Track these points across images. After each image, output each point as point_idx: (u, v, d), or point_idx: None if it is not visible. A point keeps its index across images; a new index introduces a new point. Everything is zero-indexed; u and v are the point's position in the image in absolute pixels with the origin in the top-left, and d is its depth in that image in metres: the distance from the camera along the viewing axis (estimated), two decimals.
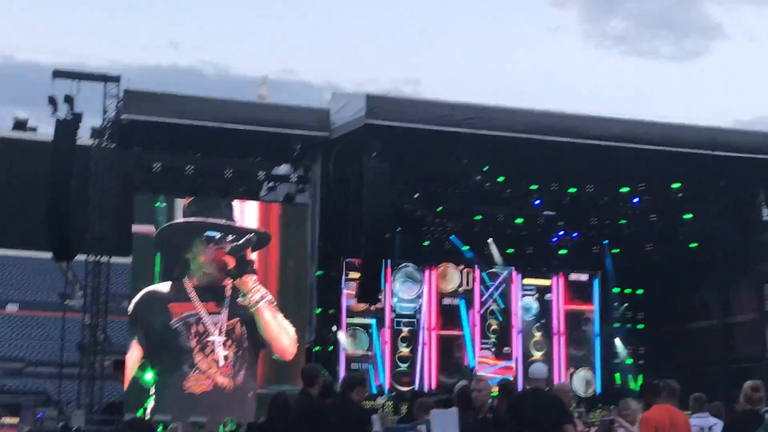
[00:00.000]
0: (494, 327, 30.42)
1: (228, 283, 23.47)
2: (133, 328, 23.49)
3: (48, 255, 33.76)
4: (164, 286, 23.61)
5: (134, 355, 23.30)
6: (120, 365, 25.30)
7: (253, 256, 23.70)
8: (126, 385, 23.66)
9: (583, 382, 30.64)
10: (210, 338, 23.54)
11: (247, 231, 23.78)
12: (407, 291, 29.71)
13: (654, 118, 25.65)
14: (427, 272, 30.00)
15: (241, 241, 22.47)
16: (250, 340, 23.75)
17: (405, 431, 8.89)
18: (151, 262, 24.19)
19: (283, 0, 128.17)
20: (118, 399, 27.25)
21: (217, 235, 23.89)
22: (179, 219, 23.77)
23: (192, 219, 23.72)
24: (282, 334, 23.32)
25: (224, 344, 23.56)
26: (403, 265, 29.67)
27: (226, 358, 23.52)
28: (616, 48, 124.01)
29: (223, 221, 24.02)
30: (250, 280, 21.88)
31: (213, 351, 23.54)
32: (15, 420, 46.52)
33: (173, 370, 23.49)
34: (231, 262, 21.75)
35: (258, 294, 21.98)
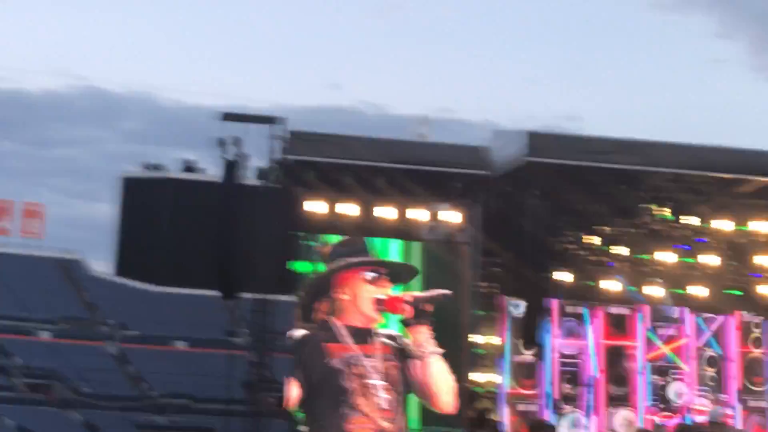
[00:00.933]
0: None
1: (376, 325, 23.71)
2: (293, 367, 23.82)
3: (215, 293, 34.78)
4: (317, 328, 23.88)
5: (293, 393, 23.60)
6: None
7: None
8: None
9: None
10: (370, 381, 23.65)
11: (412, 270, 23.87)
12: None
13: None
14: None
15: (429, 294, 22.61)
16: (404, 385, 23.75)
17: None
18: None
19: (441, 40, 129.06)
20: None
21: (377, 275, 24.08)
22: (338, 259, 24.08)
23: (353, 259, 23.97)
24: (446, 388, 23.24)
25: (384, 388, 23.64)
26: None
27: (387, 402, 23.58)
28: None
29: (383, 260, 24.18)
30: (424, 331, 21.90)
31: (374, 394, 23.66)
32: None
33: (332, 410, 23.70)
34: (406, 310, 21.85)
35: (430, 346, 21.97)
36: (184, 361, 60.61)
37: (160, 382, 57.98)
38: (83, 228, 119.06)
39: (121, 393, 56.32)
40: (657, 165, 23.51)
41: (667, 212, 25.91)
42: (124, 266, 74.44)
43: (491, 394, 26.38)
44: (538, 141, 23.27)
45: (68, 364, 56.98)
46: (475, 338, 25.99)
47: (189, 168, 78.29)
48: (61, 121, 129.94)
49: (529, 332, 24.43)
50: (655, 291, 29.18)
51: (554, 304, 28.78)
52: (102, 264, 78.00)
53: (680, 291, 29.40)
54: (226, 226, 24.27)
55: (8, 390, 54.79)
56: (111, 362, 59.52)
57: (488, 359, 26.57)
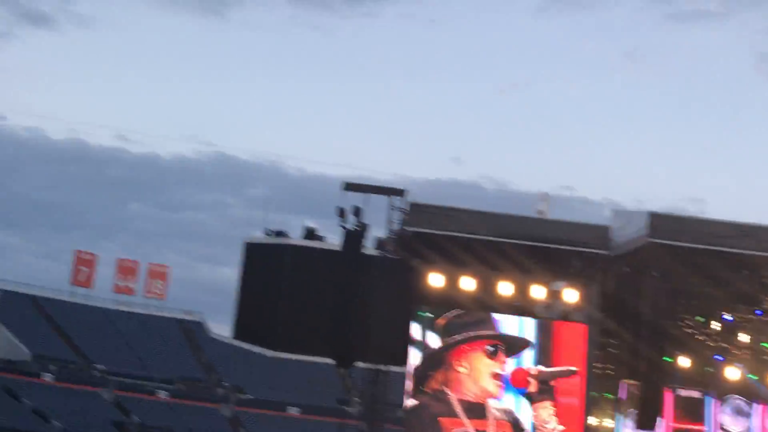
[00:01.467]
0: None
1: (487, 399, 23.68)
2: None
3: (329, 361, 35.10)
4: (430, 399, 23.94)
5: None
6: None
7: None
8: None
9: None
10: None
11: (526, 343, 23.87)
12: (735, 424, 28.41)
13: None
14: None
15: (555, 370, 22.73)
16: None
17: None
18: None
19: (565, 117, 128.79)
20: None
21: (495, 349, 24.09)
22: (456, 331, 24.17)
23: (472, 333, 24.02)
24: None
25: None
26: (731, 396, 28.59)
27: None
28: None
29: (502, 334, 24.21)
30: (548, 407, 21.82)
31: None
32: None
33: None
34: (532, 384, 21.85)
35: (553, 422, 21.89)
36: (297, 427, 60.93)
37: None
38: (205, 291, 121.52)
39: None
40: None
41: None
42: (242, 330, 75.54)
43: None
44: (660, 222, 23.04)
45: (183, 424, 57.89)
46: (590, 419, 25.65)
47: (310, 235, 79.51)
48: (190, 186, 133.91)
49: (644, 416, 23.97)
50: None
51: (669, 392, 28.29)
52: (221, 327, 79.37)
53: None
54: (344, 295, 24.62)
55: None
56: (225, 424, 60.25)
57: None
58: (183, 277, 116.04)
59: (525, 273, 25.01)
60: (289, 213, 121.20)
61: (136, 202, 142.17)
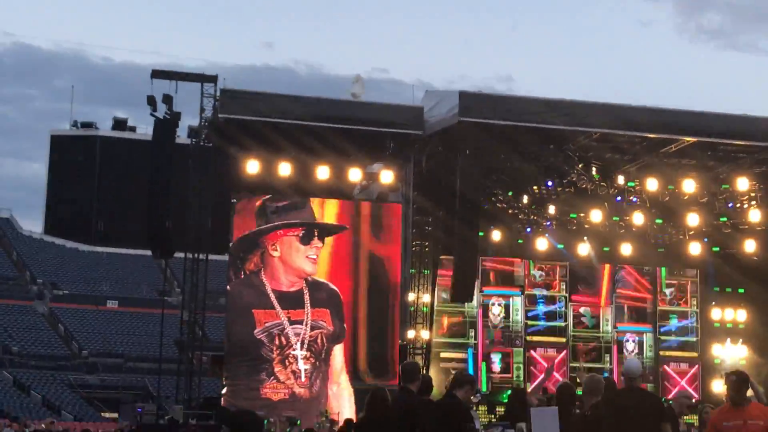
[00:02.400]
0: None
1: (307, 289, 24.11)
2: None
3: (147, 252, 34.50)
4: (245, 286, 23.75)
5: None
6: (218, 360, 25.67)
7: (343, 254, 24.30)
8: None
9: None
10: (293, 352, 24.05)
11: (335, 228, 24.13)
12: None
13: (755, 112, 24.90)
14: None
15: (329, 224, 23.36)
16: (327, 352, 24.64)
17: (505, 429, 8.80)
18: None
19: (375, 0, 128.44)
20: (215, 394, 27.60)
21: (302, 234, 24.40)
22: (267, 220, 24.15)
23: (279, 222, 24.13)
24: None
25: (305, 358, 24.03)
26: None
27: (305, 371, 24.00)
28: (712, 42, 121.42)
29: (309, 221, 24.33)
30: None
31: (293, 363, 24.03)
32: (115, 415, 47.62)
33: (250, 376, 24.26)
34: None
35: None
36: (117, 320, 60.12)
37: (92, 342, 57.49)
38: (12, 188, 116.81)
39: (51, 352, 55.74)
40: (584, 125, 23.72)
41: (594, 172, 26.21)
42: (54, 225, 73.43)
43: (422, 350, 26.61)
44: (469, 101, 23.25)
45: None
46: (408, 296, 26.21)
47: (120, 126, 77.21)
48: None
49: (460, 288, 24.61)
50: (582, 248, 29.68)
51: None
52: (33, 223, 76.89)
53: (606, 249, 29.93)
54: (158, 185, 23.97)
55: None
56: (42, 321, 58.80)
57: (420, 316, 26.80)
58: None
59: (341, 156, 25.00)
60: (98, 104, 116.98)
61: None
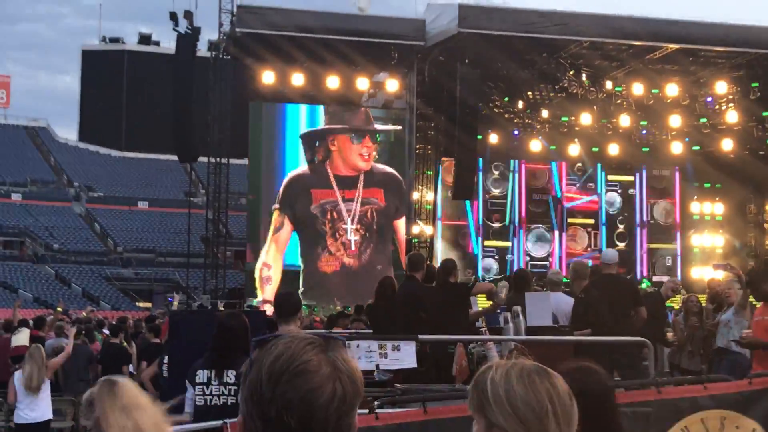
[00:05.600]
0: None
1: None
2: (283, 208, 24.56)
3: (174, 157, 34.58)
4: (311, 171, 24.17)
5: (285, 231, 24.18)
6: (240, 255, 26.01)
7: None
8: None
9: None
10: (343, 225, 24.39)
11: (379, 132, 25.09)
12: (539, 250, 29.62)
13: (734, 21, 24.59)
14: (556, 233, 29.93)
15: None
16: (379, 225, 25.14)
17: (502, 312, 8.95)
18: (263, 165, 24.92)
19: None
20: (238, 285, 28.01)
21: (360, 136, 24.69)
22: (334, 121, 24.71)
23: (341, 125, 24.51)
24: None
25: (355, 230, 24.45)
26: (534, 226, 29.61)
27: (354, 242, 24.37)
28: None
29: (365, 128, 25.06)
30: None
31: (343, 236, 24.40)
32: (148, 304, 48.37)
33: (311, 251, 24.74)
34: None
35: None
36: (147, 219, 60.58)
37: (126, 239, 58.05)
38: (47, 99, 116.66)
39: (89, 248, 56.34)
40: (576, 34, 23.51)
41: (584, 78, 26.09)
42: (88, 133, 73.47)
43: (426, 243, 26.83)
44: (468, 13, 23.08)
45: (39, 224, 56.66)
46: (415, 194, 26.32)
47: (145, 41, 76.57)
48: None
49: (459, 188, 24.71)
50: (572, 149, 29.68)
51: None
52: (68, 131, 76.85)
53: (595, 149, 29.92)
54: (182, 96, 23.96)
55: None
56: (79, 221, 59.28)
57: (424, 212, 26.94)
58: (24, 87, 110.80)
59: (350, 66, 24.90)
60: (124, 20, 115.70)
61: None
